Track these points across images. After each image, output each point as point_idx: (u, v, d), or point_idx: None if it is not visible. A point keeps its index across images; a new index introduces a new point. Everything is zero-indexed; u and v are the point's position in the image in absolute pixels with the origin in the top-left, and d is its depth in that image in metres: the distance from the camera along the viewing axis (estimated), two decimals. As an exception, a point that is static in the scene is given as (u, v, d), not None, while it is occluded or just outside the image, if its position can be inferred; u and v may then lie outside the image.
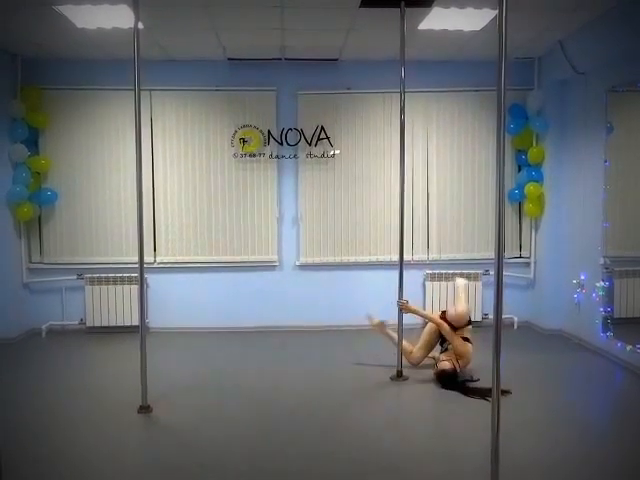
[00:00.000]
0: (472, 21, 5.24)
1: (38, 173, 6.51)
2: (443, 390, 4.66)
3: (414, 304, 6.54)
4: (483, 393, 4.38)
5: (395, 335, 5.08)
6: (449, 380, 4.71)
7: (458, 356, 4.83)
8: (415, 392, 4.70)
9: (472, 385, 4.65)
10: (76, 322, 6.68)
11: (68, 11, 4.90)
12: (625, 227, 5.47)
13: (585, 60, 5.69)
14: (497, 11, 2.79)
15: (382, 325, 5.28)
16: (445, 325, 4.95)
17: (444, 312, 5.18)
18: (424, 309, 6.75)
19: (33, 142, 6.51)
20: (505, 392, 4.30)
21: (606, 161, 5.51)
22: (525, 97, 6.56)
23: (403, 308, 5.02)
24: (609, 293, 5.54)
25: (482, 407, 4.17)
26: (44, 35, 5.64)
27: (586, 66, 5.73)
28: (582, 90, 5.97)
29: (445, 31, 5.51)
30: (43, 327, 6.54)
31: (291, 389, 4.77)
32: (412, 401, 4.55)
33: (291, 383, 4.93)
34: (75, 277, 6.63)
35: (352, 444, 3.72)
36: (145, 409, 4.20)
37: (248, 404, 4.44)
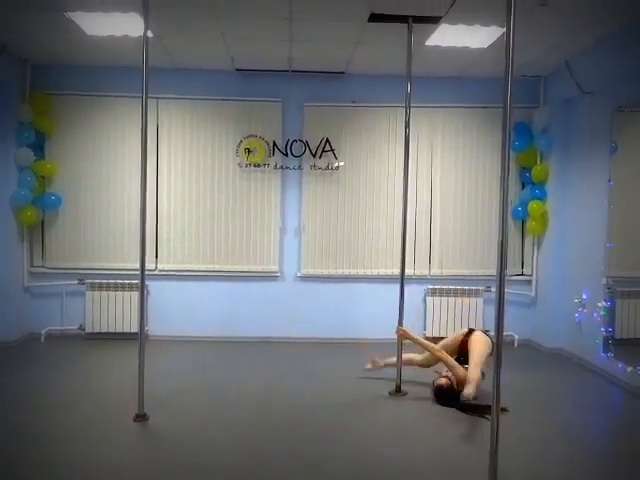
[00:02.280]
0: (479, 38, 5.27)
1: (43, 177, 6.54)
2: (441, 406, 4.62)
3: (415, 319, 6.61)
4: (481, 410, 4.35)
5: (392, 359, 5.01)
6: (445, 396, 4.67)
7: (459, 383, 4.68)
8: (413, 407, 4.67)
9: (470, 402, 4.61)
10: (75, 327, 6.66)
11: (79, 18, 4.94)
12: (628, 247, 5.46)
13: (591, 80, 5.71)
14: (505, 29, 2.80)
15: (376, 361, 5.29)
16: (445, 356, 4.78)
17: (471, 330, 5.04)
18: (425, 325, 6.76)
19: (39, 146, 6.54)
20: (503, 410, 4.28)
21: (610, 180, 5.51)
22: (530, 115, 6.58)
23: (401, 335, 4.93)
24: (611, 313, 5.52)
25: (480, 424, 4.14)
26: (54, 41, 5.69)
27: (592, 85, 5.76)
28: (587, 109, 5.98)
29: (452, 48, 5.54)
30: (42, 332, 6.53)
31: (290, 401, 4.75)
32: (410, 416, 4.51)
33: (290, 395, 4.90)
34: (76, 282, 6.63)
35: (350, 457, 3.69)
36: (141, 417, 4.17)
37: (246, 415, 4.42)
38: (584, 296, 5.95)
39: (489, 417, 3.93)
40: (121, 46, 5.66)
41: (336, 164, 6.75)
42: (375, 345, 6.33)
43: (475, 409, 4.44)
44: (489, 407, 4.04)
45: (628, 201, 5.45)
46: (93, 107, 6.61)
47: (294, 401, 4.75)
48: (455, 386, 4.67)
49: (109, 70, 6.53)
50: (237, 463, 3.60)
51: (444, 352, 4.81)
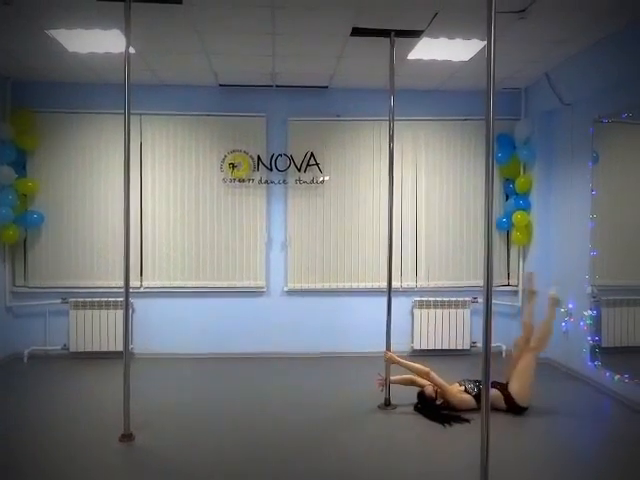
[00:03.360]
0: (461, 51, 5.32)
1: (25, 195, 6.47)
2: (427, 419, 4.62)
3: (402, 332, 6.60)
4: (448, 419, 4.51)
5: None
6: (422, 401, 4.76)
7: (446, 401, 4.75)
8: (403, 420, 4.64)
9: (443, 412, 4.67)
10: (59, 347, 6.55)
11: (60, 35, 4.92)
12: (612, 256, 5.50)
13: (571, 91, 5.79)
14: (485, 42, 2.83)
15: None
16: (434, 377, 4.76)
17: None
18: (413, 337, 6.75)
19: (21, 164, 6.46)
20: (464, 420, 4.50)
21: (593, 190, 5.56)
22: (512, 127, 6.65)
23: (388, 360, 4.93)
24: (597, 322, 5.54)
25: (469, 435, 4.12)
26: (35, 58, 5.65)
27: (572, 97, 5.83)
28: (568, 120, 6.06)
29: (434, 61, 5.59)
30: (25, 352, 6.41)
31: (277, 416, 4.70)
32: (399, 429, 4.48)
33: (277, 410, 4.86)
34: (59, 301, 6.53)
35: (338, 472, 3.65)
36: (127, 437, 4.10)
37: (233, 432, 4.36)
38: (570, 305, 5.98)
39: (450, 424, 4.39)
40: (103, 63, 5.64)
41: (321, 178, 6.75)
42: (363, 358, 6.34)
43: (444, 417, 4.56)
44: (455, 417, 4.48)
45: (611, 210, 5.50)
46: (75, 124, 6.57)
47: (282, 417, 4.69)
48: (436, 399, 4.75)
49: (92, 87, 6.50)
50: (225, 482, 3.54)
51: (433, 373, 4.81)
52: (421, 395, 4.82)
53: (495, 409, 4.38)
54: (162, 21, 4.63)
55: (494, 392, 4.59)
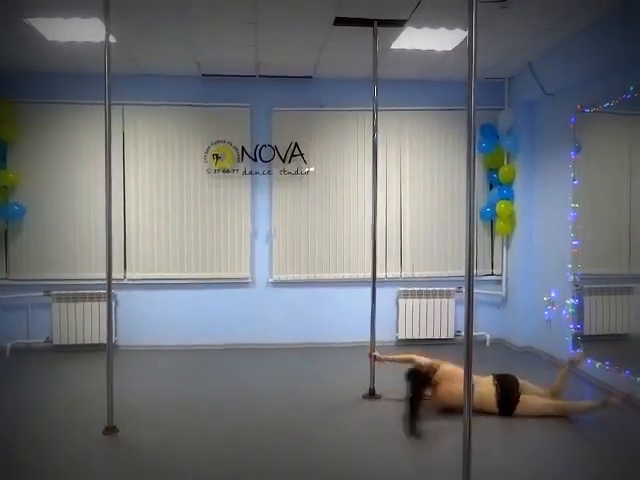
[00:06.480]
0: (444, 41, 5.32)
1: (5, 187, 6.38)
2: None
3: (387, 321, 6.63)
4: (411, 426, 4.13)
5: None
6: (413, 376, 4.51)
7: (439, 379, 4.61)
8: (387, 410, 4.66)
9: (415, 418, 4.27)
10: (42, 340, 6.50)
11: (39, 24, 4.85)
12: (594, 245, 5.55)
13: (554, 81, 5.81)
14: (467, 32, 2.83)
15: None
16: (420, 360, 4.67)
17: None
18: (398, 327, 6.78)
19: (1, 156, 6.37)
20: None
21: (575, 180, 5.60)
22: (496, 117, 6.67)
23: (376, 360, 4.90)
24: (579, 310, 5.60)
25: (452, 425, 4.15)
26: (14, 48, 5.56)
27: (555, 87, 5.86)
28: (551, 110, 6.09)
29: (417, 51, 5.59)
30: (8, 345, 6.35)
31: (263, 408, 4.70)
32: (384, 419, 4.51)
33: (263, 402, 4.86)
34: (42, 294, 6.47)
35: (323, 462, 3.66)
36: (111, 430, 4.08)
37: (218, 424, 4.35)
38: (553, 294, 6.04)
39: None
40: (84, 52, 5.56)
41: (306, 169, 6.73)
42: (348, 349, 6.36)
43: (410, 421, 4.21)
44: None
45: (593, 199, 5.54)
46: (57, 115, 6.48)
47: (267, 407, 4.70)
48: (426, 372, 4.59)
49: (73, 77, 6.40)
50: (210, 474, 3.54)
51: (417, 358, 4.74)
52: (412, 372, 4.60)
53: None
54: (142, 10, 4.57)
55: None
